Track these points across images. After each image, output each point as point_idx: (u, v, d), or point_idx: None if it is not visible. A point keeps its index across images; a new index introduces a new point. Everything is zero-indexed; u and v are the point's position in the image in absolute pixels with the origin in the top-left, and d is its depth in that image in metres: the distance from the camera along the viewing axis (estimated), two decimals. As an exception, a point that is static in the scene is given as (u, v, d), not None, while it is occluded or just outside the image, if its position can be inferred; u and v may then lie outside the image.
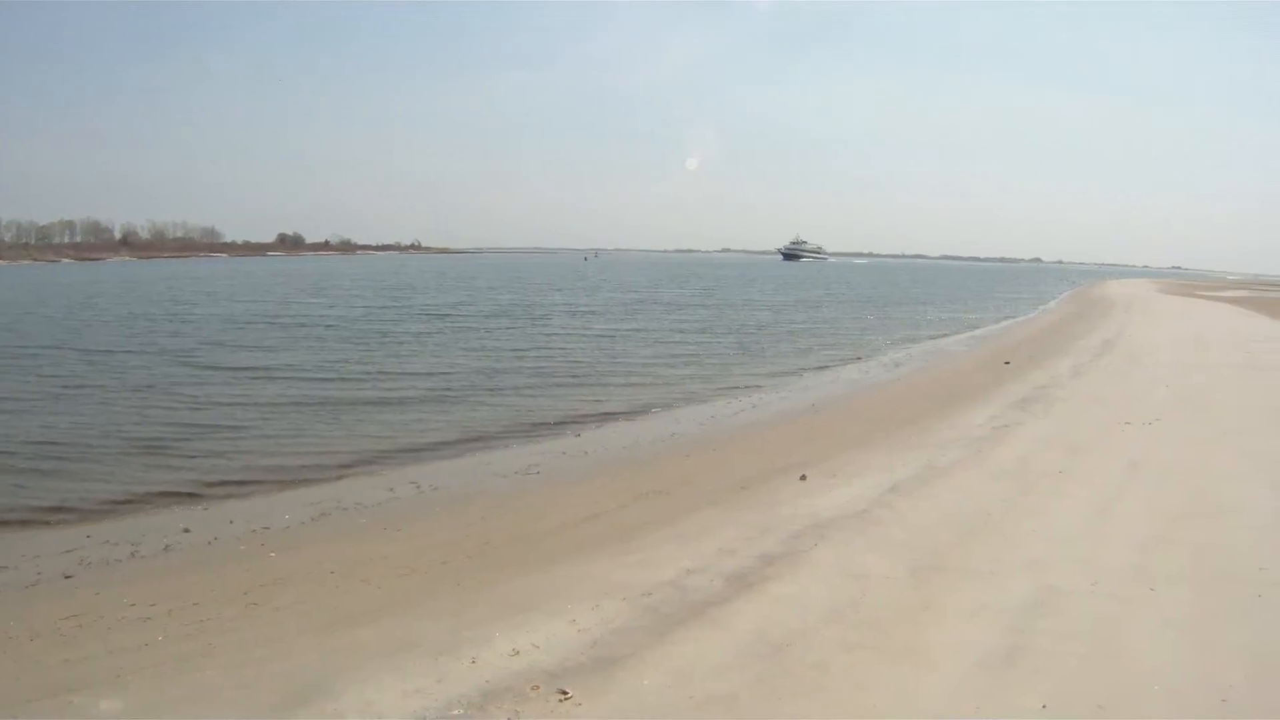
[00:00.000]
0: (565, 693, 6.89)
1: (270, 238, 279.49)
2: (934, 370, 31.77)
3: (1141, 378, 25.15)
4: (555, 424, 20.95)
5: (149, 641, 8.53)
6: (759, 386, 27.57)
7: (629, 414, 22.59)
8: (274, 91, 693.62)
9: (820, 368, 32.82)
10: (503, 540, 11.74)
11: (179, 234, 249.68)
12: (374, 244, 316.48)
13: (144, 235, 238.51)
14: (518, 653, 7.63)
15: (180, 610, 9.43)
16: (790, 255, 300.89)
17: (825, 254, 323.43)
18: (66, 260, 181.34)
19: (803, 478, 14.07)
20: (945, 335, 47.21)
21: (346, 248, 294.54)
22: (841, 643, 7.90)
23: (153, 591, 10.11)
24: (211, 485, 15.46)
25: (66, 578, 11.03)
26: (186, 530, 12.94)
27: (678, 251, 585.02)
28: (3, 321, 46.27)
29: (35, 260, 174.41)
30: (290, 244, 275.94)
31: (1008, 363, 30.36)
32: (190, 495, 14.91)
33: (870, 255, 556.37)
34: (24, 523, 13.58)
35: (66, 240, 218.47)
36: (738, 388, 27.22)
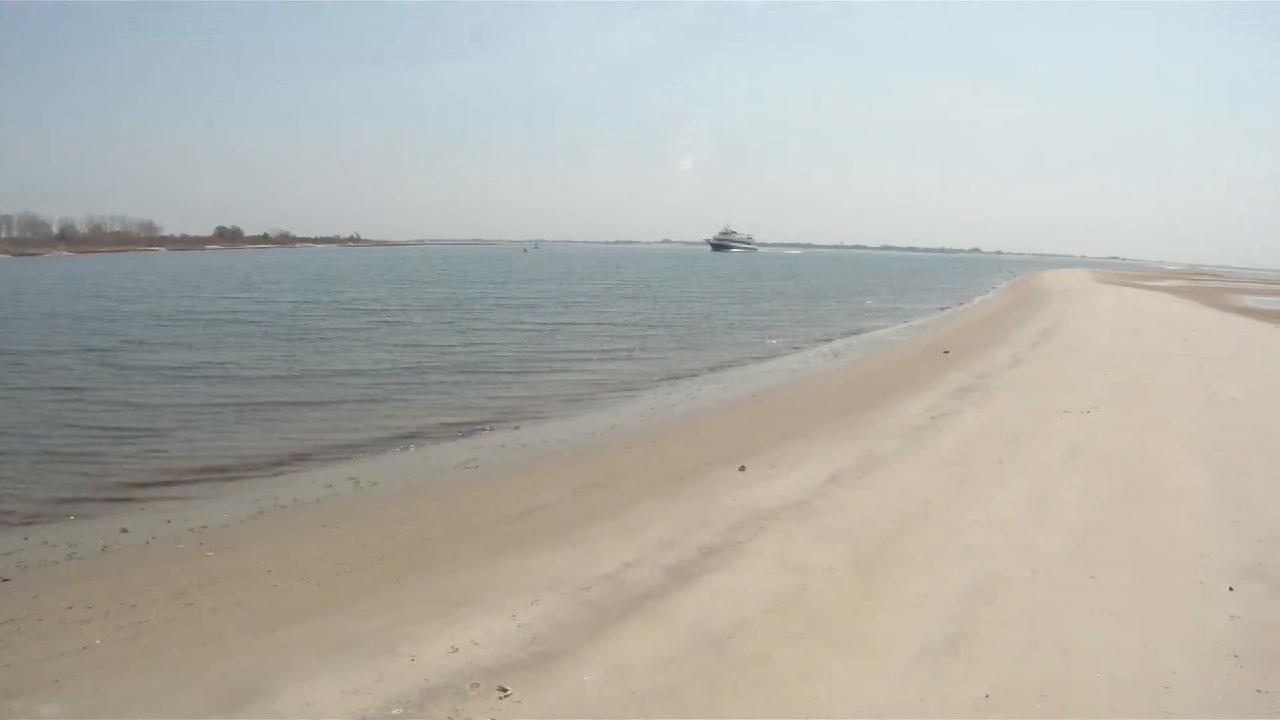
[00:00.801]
0: (505, 690, 6.96)
1: (209, 231, 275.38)
2: (873, 360, 32.09)
3: (1080, 366, 25.58)
4: (493, 419, 20.94)
5: (87, 645, 8.51)
6: (697, 377, 27.87)
7: (568, 407, 22.67)
8: (212, 84, 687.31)
9: (759, 358, 33.13)
10: (441, 535, 11.81)
11: (117, 228, 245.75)
12: (313, 237, 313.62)
13: (81, 230, 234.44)
14: (456, 650, 7.74)
15: (118, 612, 9.39)
16: (719, 246, 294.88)
17: (755, 245, 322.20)
18: (3, 256, 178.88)
19: (742, 468, 14.24)
20: (885, 326, 47.82)
21: (285, 240, 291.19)
22: (783, 634, 8.03)
23: (91, 593, 10.04)
24: (148, 486, 15.29)
25: (3, 580, 10.91)
26: (124, 531, 12.81)
27: (618, 243, 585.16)
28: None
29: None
30: (229, 237, 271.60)
31: (947, 352, 30.75)
32: (126, 497, 14.74)
33: (807, 246, 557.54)
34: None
35: (3, 235, 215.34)
36: (677, 379, 27.49)
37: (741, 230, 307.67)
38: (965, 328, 43.41)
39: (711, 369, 29.90)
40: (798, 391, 24.71)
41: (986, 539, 10.50)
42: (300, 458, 17.14)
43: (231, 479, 15.71)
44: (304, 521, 12.96)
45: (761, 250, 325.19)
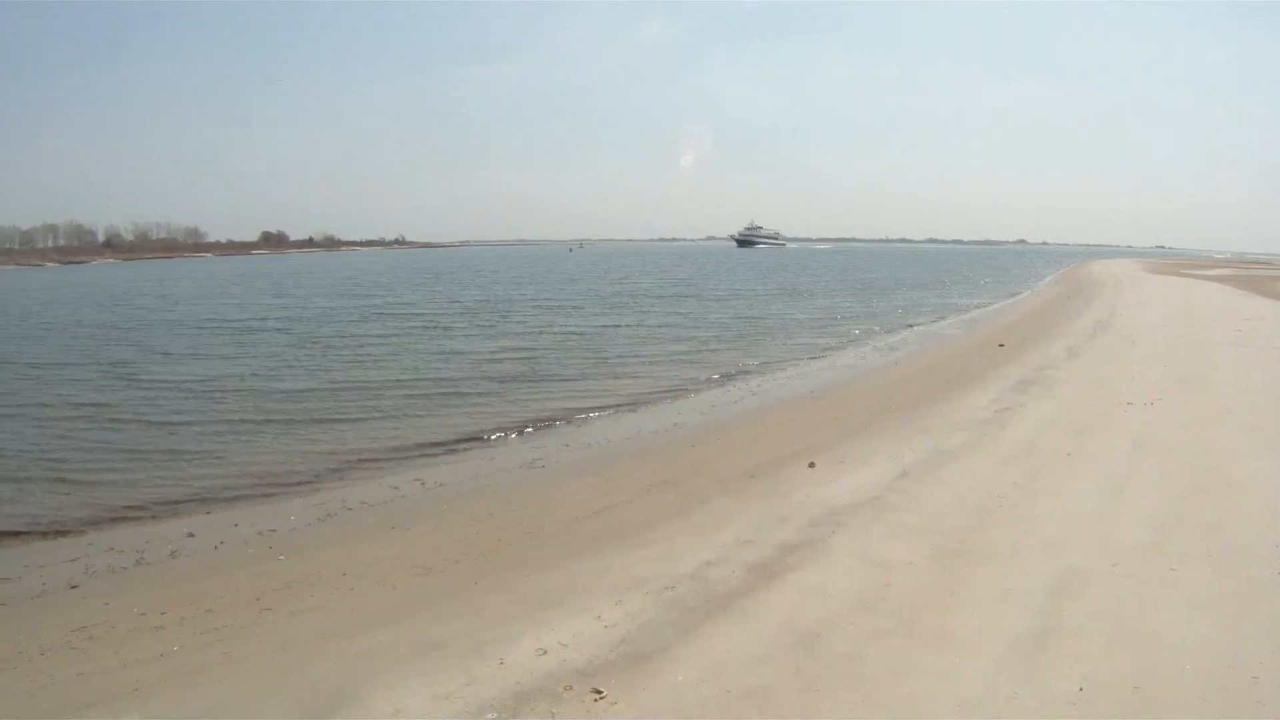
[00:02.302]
0: (600, 692, 6.73)
1: (254, 236, 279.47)
2: (929, 354, 31.64)
3: (1138, 357, 24.98)
4: (553, 418, 20.79)
5: (164, 652, 8.36)
6: (754, 374, 27.53)
7: (628, 406, 22.45)
8: (255, 91, 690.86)
9: (815, 355, 32.72)
10: (515, 537, 11.62)
11: (162, 235, 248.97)
12: (358, 240, 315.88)
13: (127, 237, 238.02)
14: (545, 652, 7.46)
15: (193, 618, 9.29)
16: (745, 242, 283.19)
17: (783, 240, 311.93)
18: (50, 264, 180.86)
19: (811, 465, 13.94)
20: (937, 320, 47.08)
21: (331, 244, 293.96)
22: (872, 631, 7.81)
23: (163, 599, 9.97)
24: (212, 490, 15.27)
25: (73, 587, 10.90)
26: (191, 535, 12.81)
27: (661, 241, 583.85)
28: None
29: (19, 265, 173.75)
30: (274, 242, 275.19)
31: (1002, 345, 30.08)
32: (192, 501, 14.72)
33: (838, 240, 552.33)
34: (23, 533, 13.37)
35: (50, 244, 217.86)
36: (734, 376, 27.21)
37: (768, 225, 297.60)
38: (1018, 320, 42.54)
39: (767, 366, 29.50)
40: (857, 387, 24.40)
41: (1064, 533, 10.24)
42: (364, 461, 17.06)
43: (296, 483, 15.66)
44: (373, 524, 12.89)
45: (790, 246, 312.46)
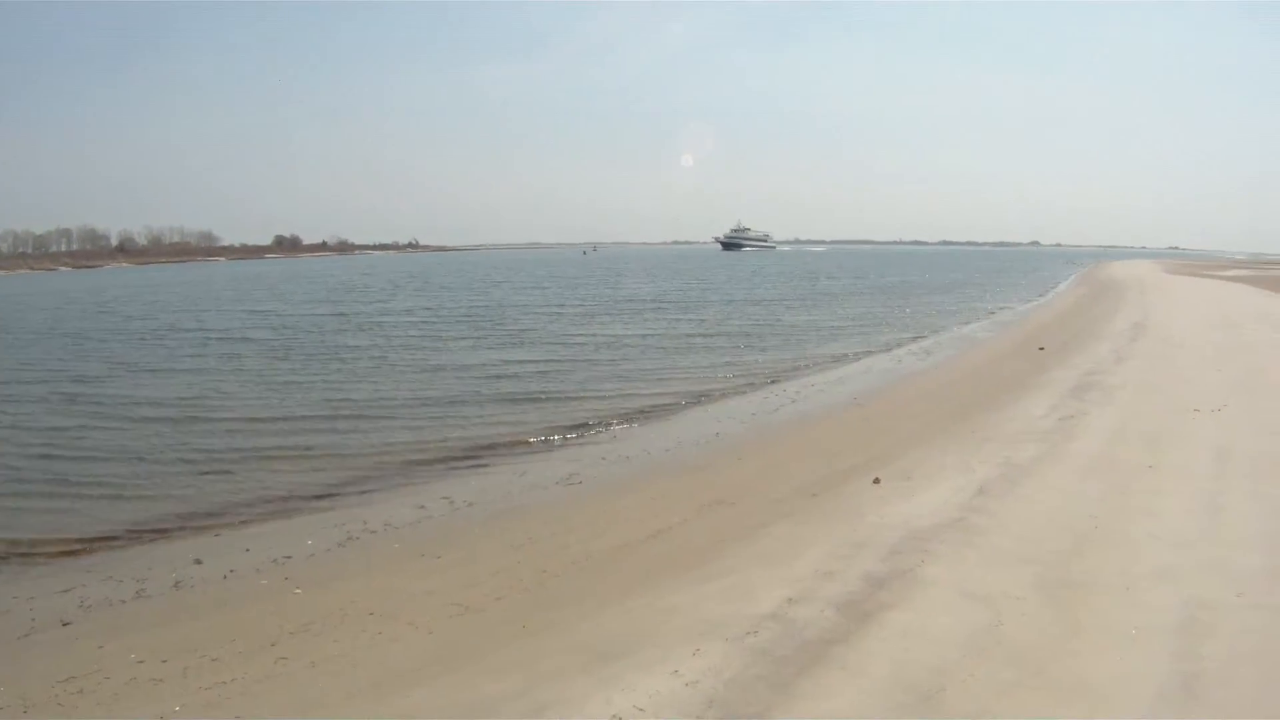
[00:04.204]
0: None
1: (267, 240, 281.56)
2: (967, 358, 30.68)
3: (1187, 361, 24.05)
4: (585, 428, 19.63)
5: (164, 713, 7.10)
6: (790, 380, 26.46)
7: (663, 415, 21.30)
8: (267, 93, 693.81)
9: (849, 358, 31.60)
10: (561, 567, 10.36)
11: (175, 239, 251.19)
12: (371, 244, 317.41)
13: (140, 241, 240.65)
14: (620, 719, 6.25)
15: (197, 669, 8.02)
16: (730, 245, 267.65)
17: (772, 242, 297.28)
18: (64, 269, 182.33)
19: (876, 480, 12.80)
20: (967, 322, 46.09)
21: (344, 248, 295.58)
22: (996, 683, 6.77)
23: (164, 642, 8.74)
24: (221, 507, 14.18)
25: (64, 625, 9.74)
26: (198, 561, 11.59)
27: (675, 244, 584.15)
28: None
29: (33, 270, 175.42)
30: (288, 246, 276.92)
31: (1042, 348, 29.38)
32: (199, 519, 13.66)
33: (833, 243, 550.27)
34: (21, 556, 12.31)
35: (63, 249, 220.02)
36: (769, 382, 26.04)
37: (756, 227, 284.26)
38: (1049, 322, 41.73)
39: (800, 371, 28.37)
40: (901, 393, 23.38)
41: (1175, 558, 9.19)
42: (384, 475, 15.93)
43: (313, 497, 14.66)
44: (400, 550, 11.67)
45: (782, 249, 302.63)
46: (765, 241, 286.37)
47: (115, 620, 9.76)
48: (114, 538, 12.87)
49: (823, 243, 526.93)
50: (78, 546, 12.53)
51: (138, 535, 12.97)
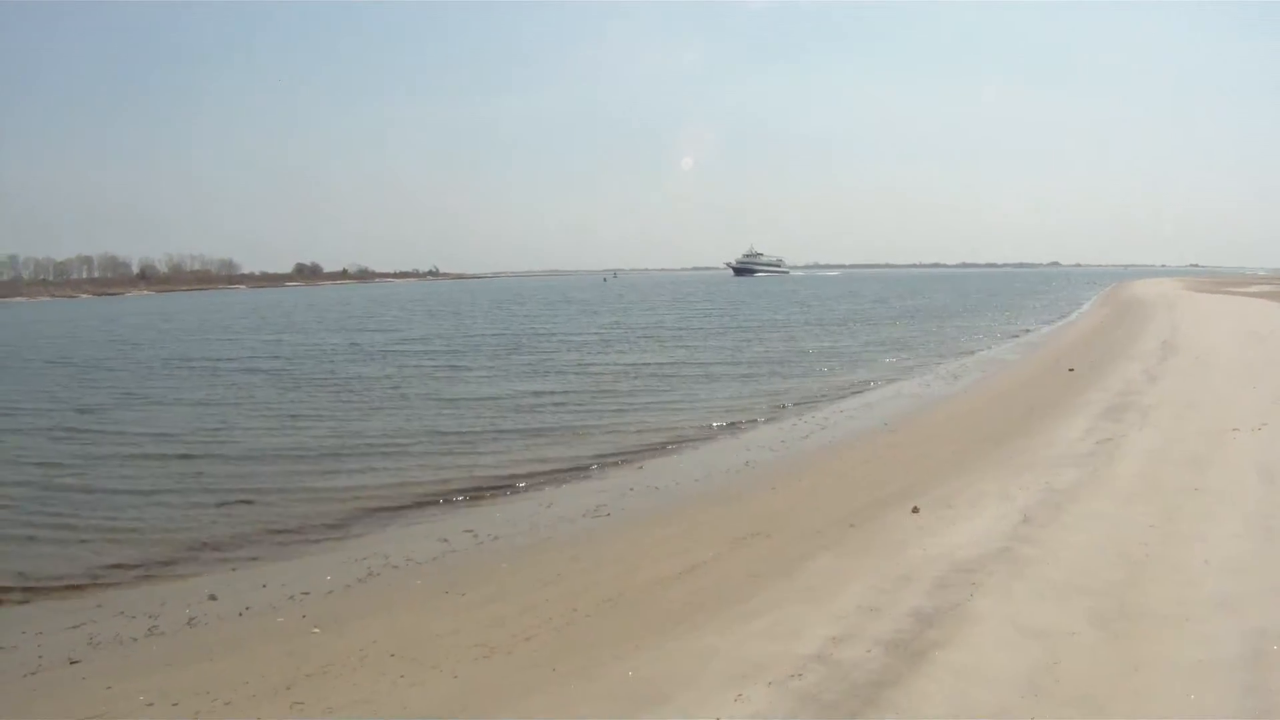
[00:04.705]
0: None
1: (288, 268, 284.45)
2: (997, 381, 30.26)
3: (1221, 380, 23.57)
4: (611, 457, 19.21)
5: (172, 766, 6.72)
6: (817, 406, 25.94)
7: (690, 443, 20.82)
8: (288, 122, 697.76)
9: (876, 383, 31.11)
10: (592, 605, 9.86)
11: (196, 266, 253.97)
12: (392, 272, 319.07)
13: (162, 269, 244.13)
14: (661, 775, 5.78)
15: (209, 712, 7.64)
16: (742, 270, 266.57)
17: (785, 267, 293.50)
18: (85, 296, 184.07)
19: (915, 510, 12.34)
20: (993, 345, 45.72)
21: (364, 276, 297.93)
22: (1063, 727, 6.25)
23: (175, 683, 8.36)
24: (238, 539, 13.88)
25: (72, 663, 9.39)
26: (213, 597, 11.23)
27: (695, 270, 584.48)
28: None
29: (54, 296, 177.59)
30: (308, 274, 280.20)
31: (1071, 369, 28.86)
32: (214, 554, 13.33)
33: (849, 268, 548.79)
34: (29, 590, 11.99)
35: (85, 276, 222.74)
36: (795, 408, 25.63)
37: (769, 252, 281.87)
38: (1076, 342, 41.37)
39: (828, 397, 27.82)
40: (931, 418, 22.90)
41: (1233, 585, 8.78)
42: (404, 508, 15.53)
43: (331, 526, 14.43)
44: (422, 586, 11.25)
45: (795, 273, 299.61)
46: (779, 266, 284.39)
47: (125, 659, 9.43)
48: (127, 568, 12.62)
49: (838, 266, 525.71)
50: (87, 581, 12.24)
51: (151, 569, 12.65)
